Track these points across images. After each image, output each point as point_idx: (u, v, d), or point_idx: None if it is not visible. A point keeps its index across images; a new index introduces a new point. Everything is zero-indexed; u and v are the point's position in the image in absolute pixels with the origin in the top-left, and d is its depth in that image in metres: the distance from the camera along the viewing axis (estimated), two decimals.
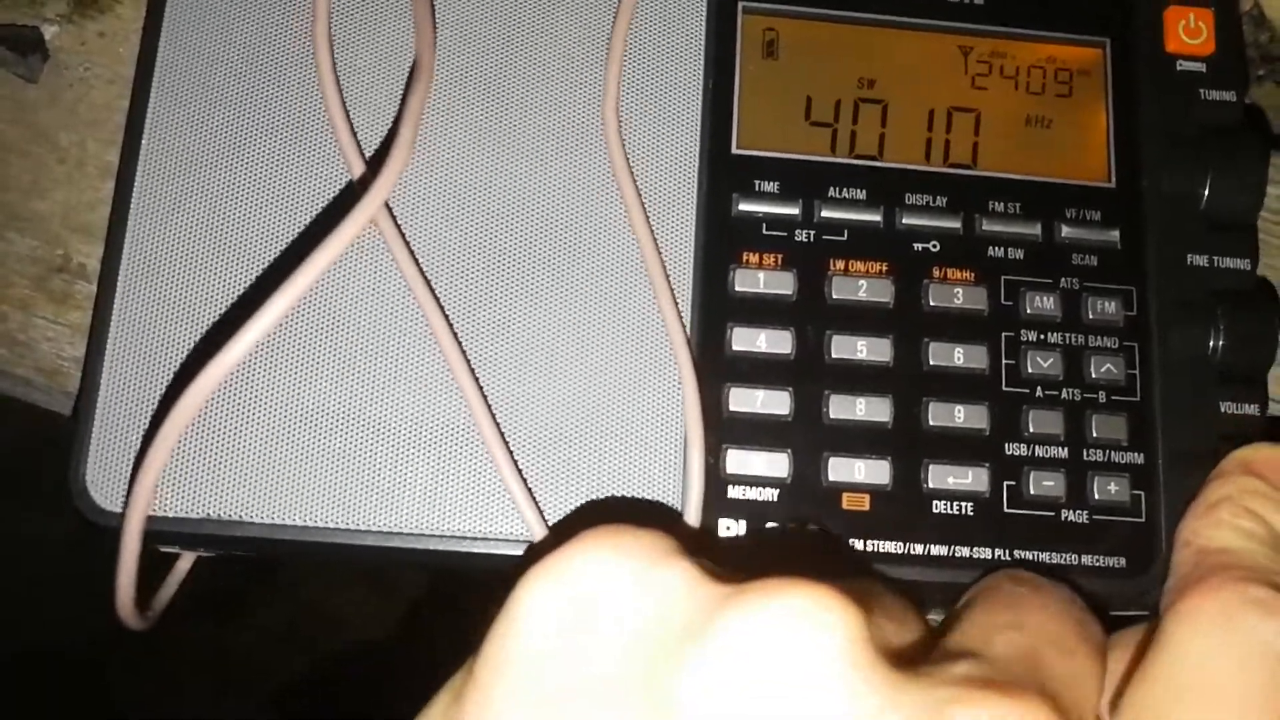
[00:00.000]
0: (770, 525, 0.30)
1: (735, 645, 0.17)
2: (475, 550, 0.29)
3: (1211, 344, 0.32)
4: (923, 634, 0.22)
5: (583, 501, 0.30)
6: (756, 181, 0.32)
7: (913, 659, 0.18)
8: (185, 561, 0.34)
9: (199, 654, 0.91)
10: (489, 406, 0.29)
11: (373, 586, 0.98)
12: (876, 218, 0.32)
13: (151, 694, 0.91)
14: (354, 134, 0.31)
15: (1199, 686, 0.22)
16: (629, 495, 0.30)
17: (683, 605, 0.17)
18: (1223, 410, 0.32)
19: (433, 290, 0.30)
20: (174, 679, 0.92)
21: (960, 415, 0.31)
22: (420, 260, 0.30)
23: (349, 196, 0.30)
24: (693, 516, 0.29)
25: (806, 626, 0.17)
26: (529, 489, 0.29)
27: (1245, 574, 0.24)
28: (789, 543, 0.30)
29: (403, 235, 0.30)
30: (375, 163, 0.30)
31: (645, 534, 0.18)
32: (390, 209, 0.30)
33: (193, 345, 0.30)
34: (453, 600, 0.97)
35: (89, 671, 0.89)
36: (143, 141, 0.31)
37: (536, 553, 0.28)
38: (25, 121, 0.38)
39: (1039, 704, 0.17)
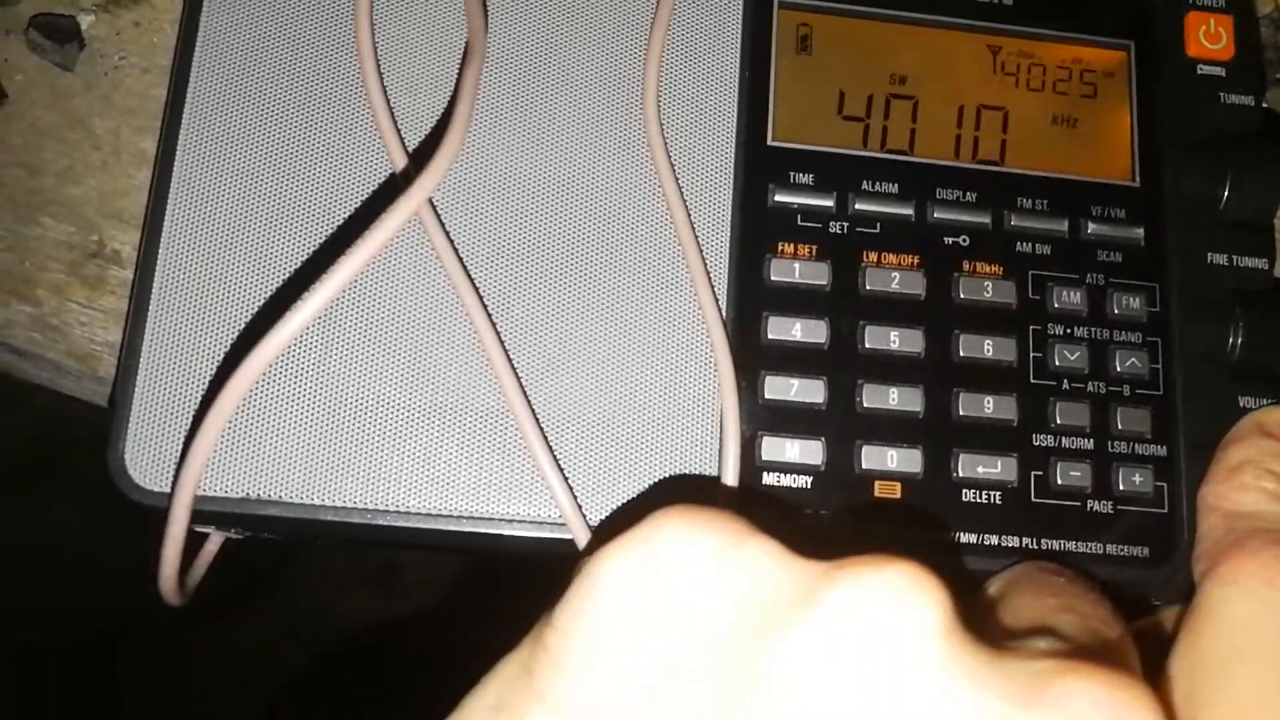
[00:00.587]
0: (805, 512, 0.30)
1: (838, 619, 0.16)
2: (509, 533, 0.30)
3: (1231, 340, 0.33)
4: (974, 613, 0.22)
5: (617, 487, 0.30)
6: (791, 173, 0.33)
7: (983, 636, 0.18)
8: (213, 543, 0.34)
9: (206, 652, 0.91)
10: (525, 393, 0.30)
11: (378, 588, 0.98)
12: (908, 211, 0.33)
13: (159, 691, 0.91)
14: (395, 122, 0.31)
15: (1248, 650, 0.22)
16: (663, 479, 0.30)
17: (774, 581, 0.17)
18: (1241, 404, 0.33)
19: (471, 278, 0.30)
20: (182, 677, 0.91)
21: (990, 406, 0.31)
22: (459, 248, 0.30)
23: (391, 183, 0.31)
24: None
25: (908, 601, 0.16)
26: (564, 474, 0.29)
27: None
28: (823, 530, 0.30)
29: (442, 224, 0.30)
30: (420, 152, 0.31)
31: (721, 512, 0.18)
32: (430, 198, 0.30)
33: (232, 330, 0.30)
34: (458, 602, 0.98)
35: (97, 667, 0.89)
36: (181, 127, 0.31)
37: (594, 541, 0.28)
38: (61, 109, 0.38)
39: (1130, 675, 0.17)
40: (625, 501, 0.30)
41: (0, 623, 0.85)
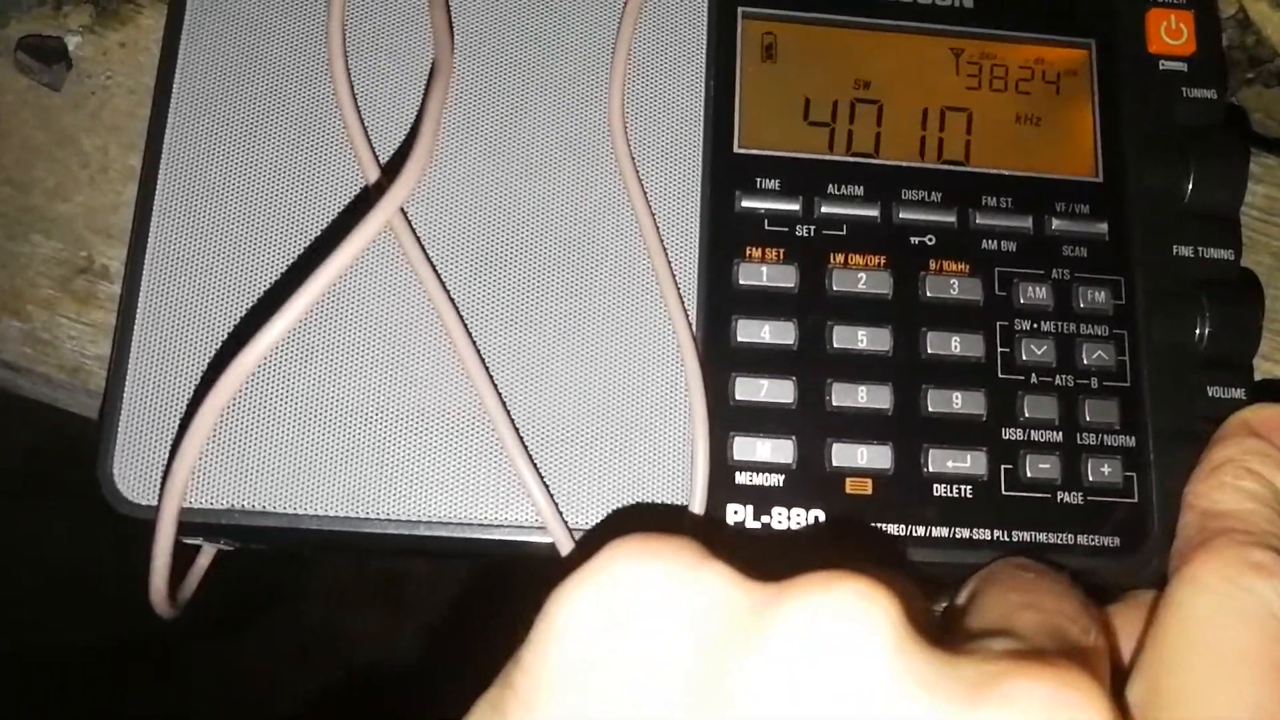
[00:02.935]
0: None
1: (789, 642, 0.16)
2: (490, 537, 0.30)
3: (1198, 331, 0.33)
4: (933, 618, 0.23)
5: (594, 489, 0.31)
6: (758, 179, 0.33)
7: (939, 641, 0.18)
8: (205, 556, 0.35)
9: (207, 671, 0.91)
10: (501, 399, 0.31)
11: (381, 605, 0.99)
12: (874, 213, 0.33)
13: (160, 710, 0.91)
14: (367, 137, 0.32)
15: (1204, 647, 0.22)
16: (638, 481, 0.31)
17: (726, 606, 0.17)
18: (1210, 394, 0.33)
19: (445, 287, 0.31)
20: (182, 696, 0.92)
21: (958, 401, 0.32)
22: (433, 258, 0.31)
23: (365, 196, 0.32)
24: (699, 502, 0.30)
25: (855, 618, 0.17)
26: (541, 478, 0.30)
27: (1247, 537, 0.25)
28: (795, 535, 0.31)
29: (416, 235, 0.31)
30: (392, 165, 0.31)
31: (675, 539, 0.19)
32: (404, 209, 0.31)
33: (215, 343, 0.31)
34: (460, 619, 0.98)
35: (96, 687, 0.90)
36: (164, 144, 0.32)
37: (563, 564, 0.29)
38: (50, 128, 0.39)
39: (1080, 672, 0.17)
40: (602, 508, 0.30)
41: (8, 637, 0.87)
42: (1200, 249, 0.35)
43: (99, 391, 0.38)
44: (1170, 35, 0.36)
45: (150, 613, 0.30)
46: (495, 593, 0.98)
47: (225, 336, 0.31)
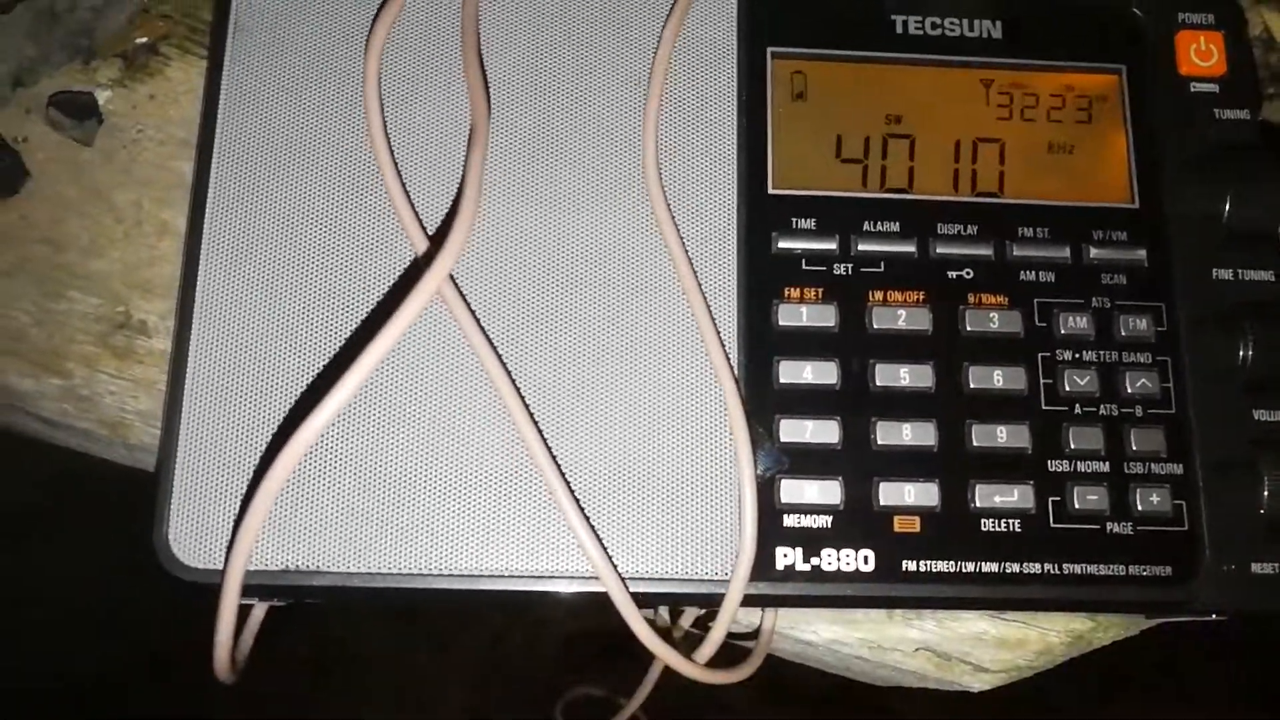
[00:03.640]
0: None
1: None
2: (543, 589, 0.30)
3: (1241, 354, 0.33)
4: None
5: (644, 539, 0.31)
6: (794, 219, 0.33)
7: None
8: (260, 610, 0.35)
9: (226, 692, 0.92)
10: (551, 453, 0.31)
11: (397, 623, 0.99)
12: (911, 248, 0.33)
13: None
14: (411, 202, 0.32)
15: None
16: (688, 528, 0.31)
17: None
18: (1256, 418, 0.33)
19: (493, 346, 0.31)
20: (201, 716, 0.92)
21: (1003, 435, 0.32)
22: (480, 317, 0.31)
23: (412, 260, 0.32)
24: (748, 548, 0.30)
25: None
26: (593, 529, 0.30)
27: None
28: None
29: (463, 296, 0.31)
30: (437, 230, 0.31)
31: None
32: (450, 273, 0.31)
33: (267, 409, 0.31)
34: (475, 632, 0.98)
35: (118, 710, 0.90)
36: (207, 212, 0.32)
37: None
38: (82, 183, 0.39)
39: None
40: (653, 557, 0.31)
41: (18, 668, 0.87)
42: (1240, 271, 0.34)
43: (139, 445, 0.38)
44: (1200, 57, 0.36)
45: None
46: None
47: (277, 405, 0.31)
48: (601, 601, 0.30)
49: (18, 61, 0.40)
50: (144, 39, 0.41)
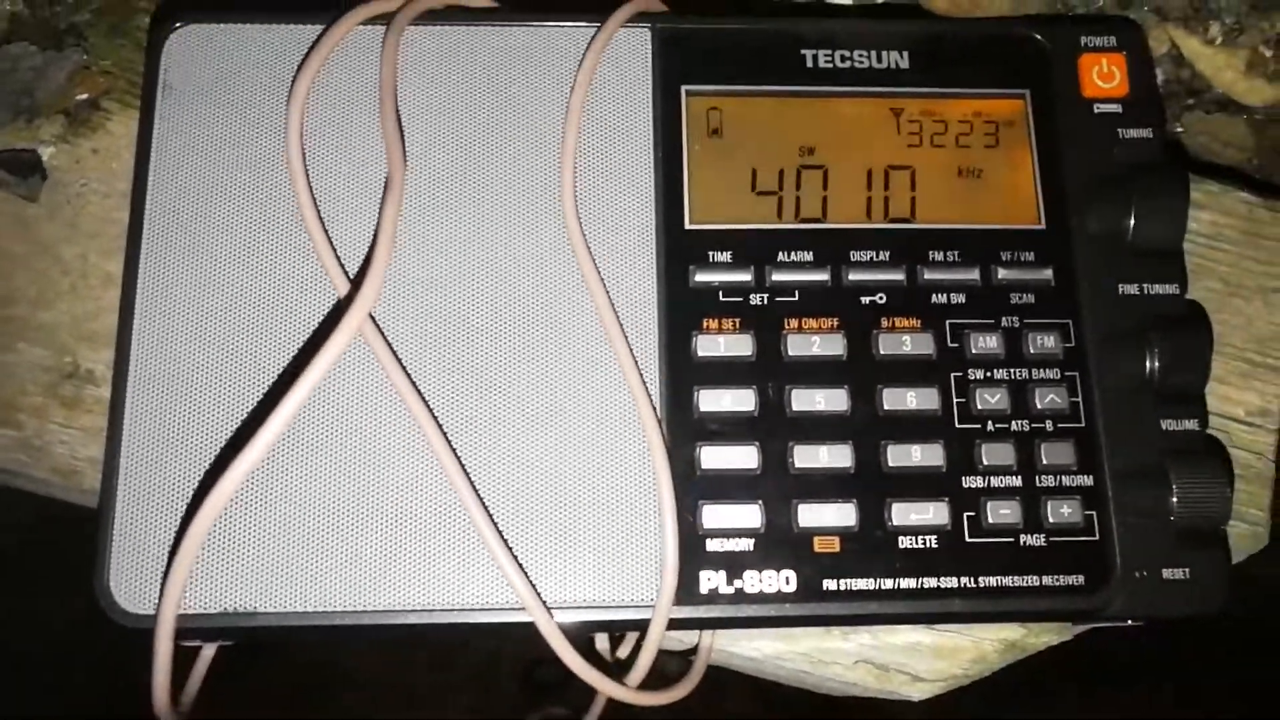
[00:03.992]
0: None
1: None
2: (474, 621, 0.31)
3: (1149, 367, 0.34)
4: None
5: (568, 568, 0.32)
6: (710, 253, 0.34)
7: None
8: (208, 652, 0.36)
9: (216, 711, 0.92)
10: (475, 490, 0.32)
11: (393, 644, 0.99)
12: (824, 276, 0.35)
13: None
14: (333, 247, 0.33)
15: None
16: (612, 556, 0.32)
17: None
18: (1164, 428, 0.34)
19: (415, 385, 0.32)
20: None
21: (917, 455, 0.33)
22: (405, 358, 0.32)
23: (336, 303, 0.33)
24: (670, 572, 0.31)
25: None
26: (518, 561, 0.31)
27: None
28: None
29: (384, 336, 0.32)
30: (358, 275, 0.33)
31: None
32: (371, 314, 0.32)
33: (202, 454, 0.32)
34: (474, 651, 0.99)
35: None
36: (140, 262, 0.33)
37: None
38: (29, 238, 0.41)
39: None
40: (578, 586, 0.32)
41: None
42: (1146, 286, 0.36)
43: (93, 490, 0.39)
44: (1103, 79, 0.37)
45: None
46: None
47: (211, 445, 0.32)
48: (530, 633, 0.31)
49: None
50: (85, 95, 0.42)
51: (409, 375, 0.32)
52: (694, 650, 0.38)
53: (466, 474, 0.31)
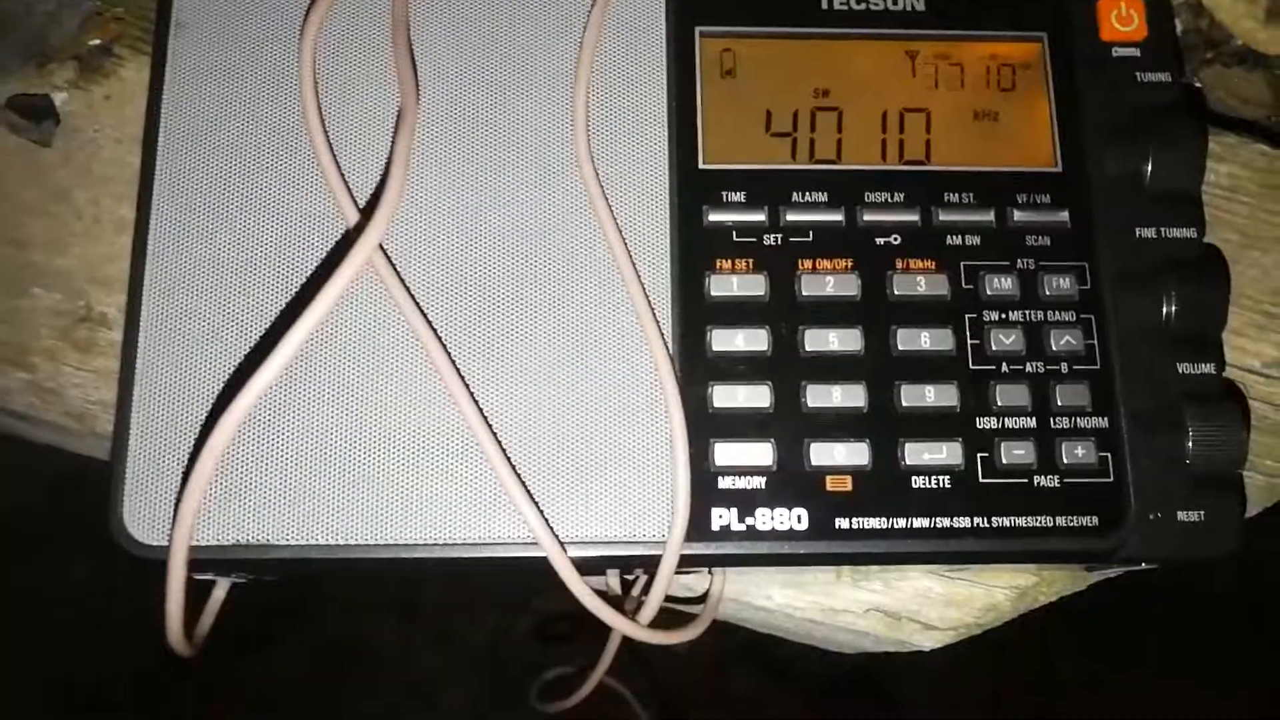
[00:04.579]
0: None
1: None
2: (485, 555, 0.31)
3: (1165, 310, 0.34)
4: None
5: (581, 503, 0.32)
6: (724, 193, 0.34)
7: None
8: (220, 590, 0.36)
9: (233, 691, 0.93)
10: (487, 422, 0.32)
11: (397, 612, 1.00)
12: (839, 217, 0.34)
13: None
14: (345, 180, 0.33)
15: None
16: (624, 492, 0.32)
17: None
18: (1181, 371, 0.34)
19: (426, 317, 0.32)
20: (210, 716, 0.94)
21: (931, 395, 0.33)
22: (413, 290, 0.32)
23: (347, 235, 0.33)
24: (682, 509, 0.31)
25: None
26: (530, 494, 0.31)
27: None
28: None
29: (395, 269, 0.32)
30: (369, 205, 0.33)
31: None
32: (382, 246, 0.32)
33: (213, 385, 0.32)
34: (474, 620, 1.00)
35: (126, 713, 0.91)
36: (153, 197, 0.33)
37: None
38: (42, 184, 0.41)
39: None
40: (590, 520, 0.32)
41: (28, 677, 0.88)
42: (1163, 229, 0.35)
43: (107, 434, 0.39)
44: (1121, 22, 0.37)
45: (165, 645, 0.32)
46: (508, 600, 1.00)
47: (223, 378, 0.32)
48: (542, 566, 0.31)
49: None
50: (97, 41, 0.42)
51: (420, 308, 0.32)
52: (705, 597, 0.38)
53: (479, 408, 0.31)
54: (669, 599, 0.39)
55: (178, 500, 0.30)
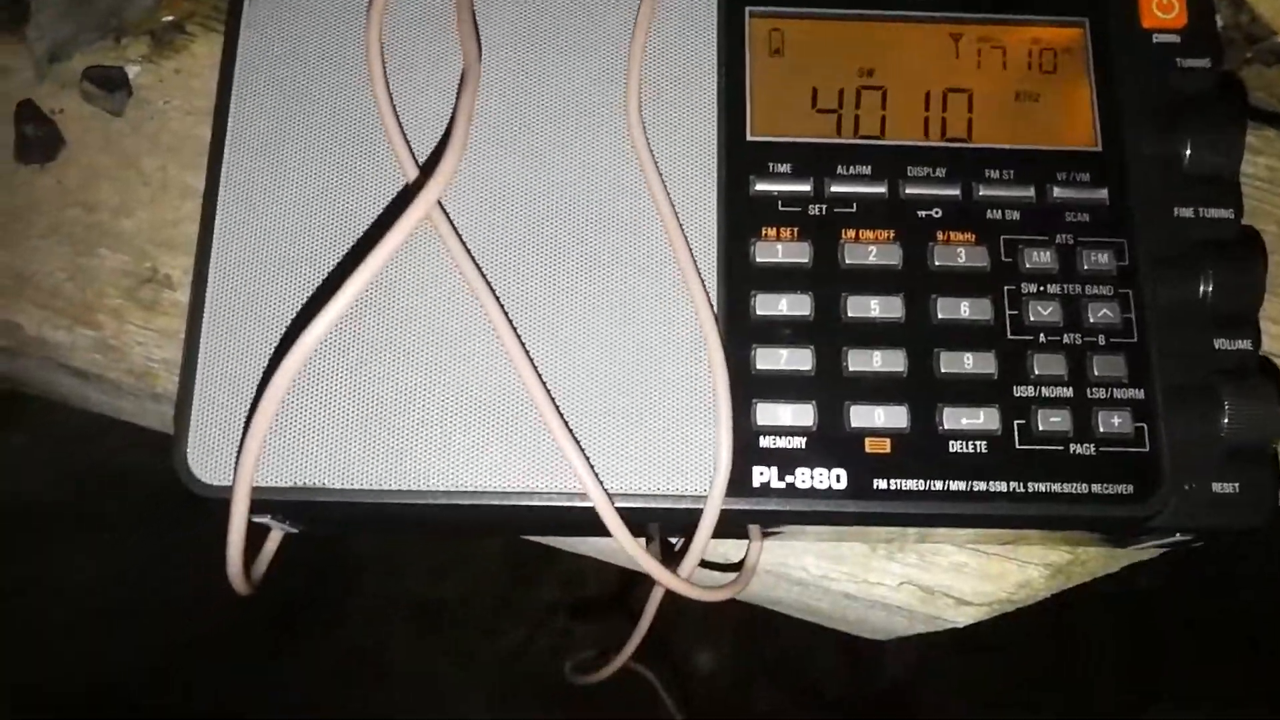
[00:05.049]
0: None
1: None
2: (535, 504, 0.32)
3: (1202, 288, 0.35)
4: None
5: (628, 458, 0.33)
6: (771, 164, 0.35)
7: None
8: (272, 542, 0.37)
9: (253, 696, 0.94)
10: (540, 376, 0.33)
11: (416, 623, 1.01)
12: (882, 189, 0.35)
13: None
14: (407, 140, 0.34)
15: None
16: (669, 448, 0.33)
17: None
18: (1217, 346, 0.35)
19: (483, 273, 0.33)
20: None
21: (969, 362, 0.34)
22: (470, 247, 0.34)
23: (406, 193, 0.34)
24: (724, 466, 0.32)
25: None
26: (580, 447, 0.32)
27: None
28: None
29: (453, 225, 0.34)
30: (429, 164, 0.34)
31: None
32: (441, 203, 0.34)
33: (276, 332, 0.33)
34: (493, 633, 1.00)
35: (145, 711, 0.92)
36: (224, 154, 0.35)
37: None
38: (113, 150, 0.42)
39: None
40: (637, 475, 0.33)
41: (48, 667, 0.89)
42: (1201, 210, 0.36)
43: (164, 395, 0.41)
44: (1162, 9, 0.38)
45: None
46: (523, 607, 1.01)
47: (285, 326, 0.33)
48: (590, 518, 0.32)
49: (54, 39, 0.43)
50: (170, 18, 0.44)
51: (477, 264, 0.33)
52: (741, 565, 0.39)
53: (531, 362, 0.33)
54: (707, 563, 0.40)
55: (241, 441, 0.31)
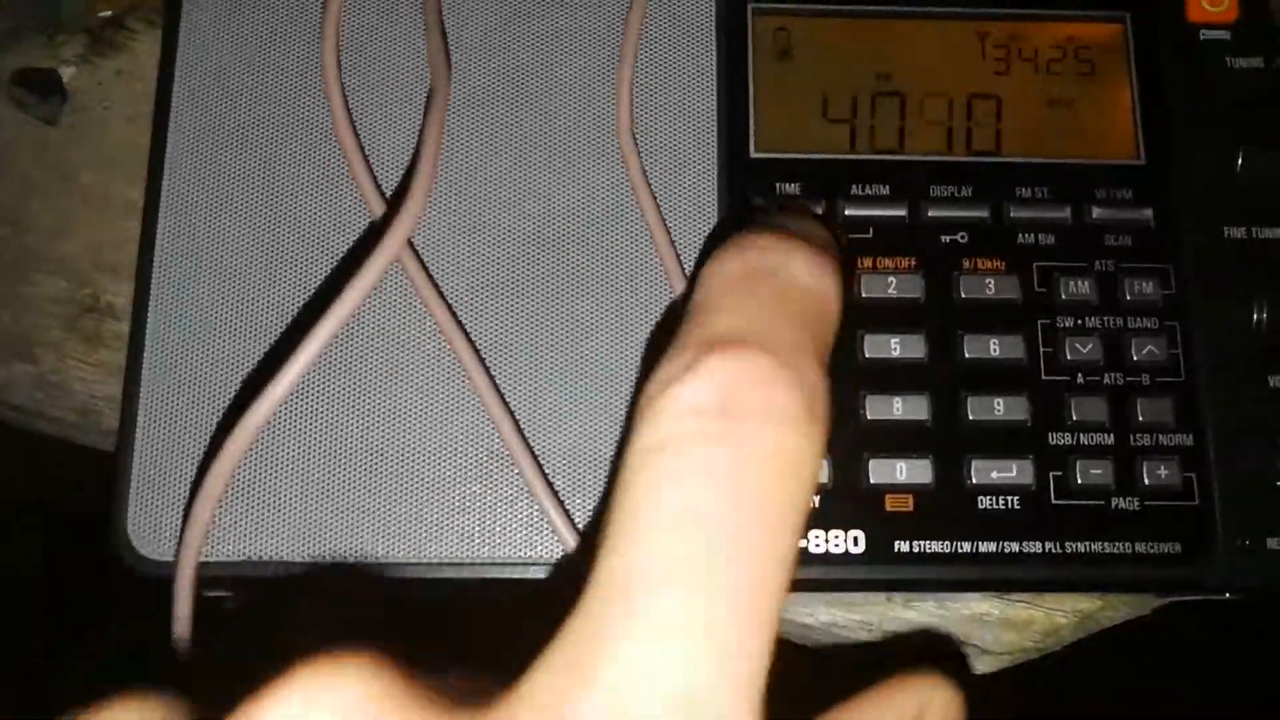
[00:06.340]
0: None
1: None
2: (516, 576, 0.29)
3: (1255, 318, 0.32)
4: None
5: None
6: (777, 184, 0.32)
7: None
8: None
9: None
10: (520, 431, 0.29)
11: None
12: (902, 212, 0.32)
13: None
14: (369, 167, 0.31)
15: None
16: None
17: None
18: (1271, 384, 0.31)
19: (456, 318, 0.30)
20: None
21: (1000, 408, 0.30)
22: (443, 288, 0.30)
23: (371, 228, 0.30)
24: None
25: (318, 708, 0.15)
26: (565, 509, 0.29)
27: None
28: None
29: (424, 265, 0.30)
30: (395, 195, 0.30)
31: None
32: (410, 240, 0.30)
33: (225, 392, 0.30)
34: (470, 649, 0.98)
35: None
36: (163, 184, 0.31)
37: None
38: (48, 163, 0.38)
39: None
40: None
41: None
42: (1254, 230, 0.33)
43: (112, 430, 0.37)
44: (1210, 3, 0.34)
45: (162, 655, 0.30)
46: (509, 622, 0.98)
47: (236, 382, 0.30)
48: (577, 586, 0.29)
49: None
50: (109, 12, 0.40)
51: (451, 310, 0.29)
52: None
53: (512, 416, 0.29)
54: None
55: (185, 513, 0.27)
